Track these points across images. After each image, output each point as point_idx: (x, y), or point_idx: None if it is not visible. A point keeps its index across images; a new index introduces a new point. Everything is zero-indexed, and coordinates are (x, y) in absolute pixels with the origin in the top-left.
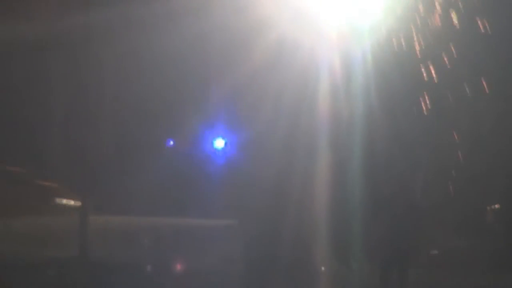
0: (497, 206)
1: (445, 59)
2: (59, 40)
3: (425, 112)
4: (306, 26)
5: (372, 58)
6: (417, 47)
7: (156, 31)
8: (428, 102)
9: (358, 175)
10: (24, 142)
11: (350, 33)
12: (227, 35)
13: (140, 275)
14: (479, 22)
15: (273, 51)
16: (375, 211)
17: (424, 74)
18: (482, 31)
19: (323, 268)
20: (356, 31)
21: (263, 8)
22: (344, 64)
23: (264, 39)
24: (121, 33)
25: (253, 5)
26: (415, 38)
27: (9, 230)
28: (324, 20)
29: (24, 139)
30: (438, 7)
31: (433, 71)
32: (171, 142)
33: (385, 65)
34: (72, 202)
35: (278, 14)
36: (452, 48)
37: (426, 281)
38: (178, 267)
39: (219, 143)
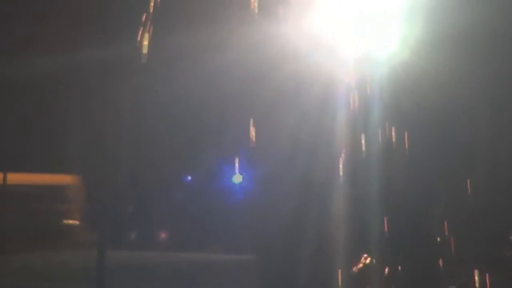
0: None
1: (462, 90)
2: (78, 74)
3: (442, 144)
4: (323, 60)
5: (390, 90)
6: (435, 79)
7: (174, 68)
8: (445, 134)
9: (376, 210)
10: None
11: (368, 65)
12: (244, 70)
13: None
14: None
15: (290, 85)
16: (393, 246)
17: (442, 105)
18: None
19: None
20: (373, 63)
21: (280, 42)
22: (362, 97)
23: (281, 74)
24: (139, 69)
25: (270, 40)
26: (431, 69)
27: (24, 264)
28: (342, 52)
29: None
30: (454, 38)
31: (450, 102)
32: (189, 178)
33: (403, 97)
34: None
35: (294, 48)
36: (468, 79)
37: None
38: None
39: (237, 178)
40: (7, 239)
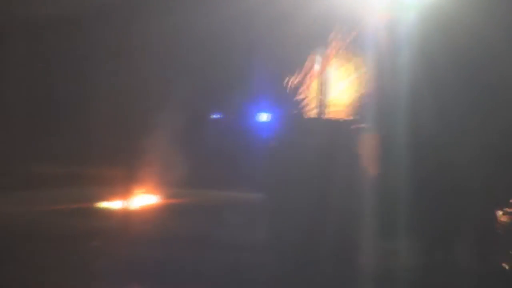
0: None
1: (491, 34)
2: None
3: (470, 88)
4: (353, 2)
5: (419, 34)
6: (463, 21)
7: (204, 9)
8: (473, 78)
9: (403, 152)
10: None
11: (397, 7)
12: (271, 12)
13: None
14: None
15: (318, 27)
16: (419, 189)
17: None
18: None
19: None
20: (403, 5)
21: None
22: (390, 39)
23: (310, 15)
24: (169, 11)
25: None
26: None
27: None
28: None
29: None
30: None
31: (480, 49)
32: (218, 115)
33: (432, 42)
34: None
35: None
36: (497, 22)
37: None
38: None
39: (263, 117)
40: None
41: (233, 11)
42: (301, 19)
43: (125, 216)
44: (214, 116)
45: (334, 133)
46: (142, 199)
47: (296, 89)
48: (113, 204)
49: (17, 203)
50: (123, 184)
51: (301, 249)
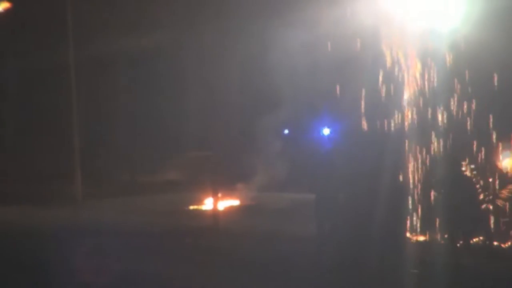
0: None
1: None
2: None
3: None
4: (396, 34)
5: (452, 59)
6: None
7: (275, 39)
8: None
9: (441, 160)
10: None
11: (430, 35)
12: (331, 44)
13: (256, 239)
14: None
15: (369, 54)
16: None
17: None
18: None
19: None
20: (435, 34)
21: (359, 19)
22: (427, 66)
23: (361, 44)
24: (246, 40)
25: (352, 16)
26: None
27: (155, 204)
28: (411, 27)
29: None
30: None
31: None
32: (286, 131)
33: (463, 67)
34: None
35: (366, 22)
36: None
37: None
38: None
39: (326, 131)
40: None
41: (300, 44)
42: (353, 48)
43: (213, 217)
44: (285, 132)
45: (385, 144)
46: (227, 202)
47: (352, 105)
48: (203, 207)
49: (124, 207)
50: (211, 190)
51: (355, 241)
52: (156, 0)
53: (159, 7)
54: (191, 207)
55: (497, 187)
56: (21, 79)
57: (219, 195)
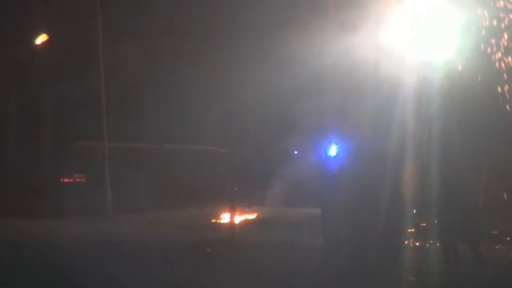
0: None
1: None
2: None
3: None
4: (393, 65)
5: (447, 87)
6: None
7: (283, 67)
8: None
9: (435, 177)
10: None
11: (428, 66)
12: (341, 70)
13: (272, 250)
14: None
15: (370, 82)
16: (447, 203)
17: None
18: None
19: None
20: (432, 65)
21: (360, 51)
22: (423, 93)
23: (363, 73)
24: (260, 71)
25: (352, 48)
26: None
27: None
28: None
29: None
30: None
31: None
32: (296, 152)
33: (457, 93)
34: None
35: (372, 55)
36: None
37: (489, 254)
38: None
39: (332, 151)
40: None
41: (306, 72)
42: (356, 76)
43: (231, 229)
44: (295, 152)
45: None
46: (244, 216)
47: (355, 130)
48: (222, 220)
49: (148, 221)
50: (229, 205)
51: (360, 251)
52: (175, 32)
53: (176, 40)
54: (213, 221)
55: None
56: (56, 106)
57: (236, 210)
